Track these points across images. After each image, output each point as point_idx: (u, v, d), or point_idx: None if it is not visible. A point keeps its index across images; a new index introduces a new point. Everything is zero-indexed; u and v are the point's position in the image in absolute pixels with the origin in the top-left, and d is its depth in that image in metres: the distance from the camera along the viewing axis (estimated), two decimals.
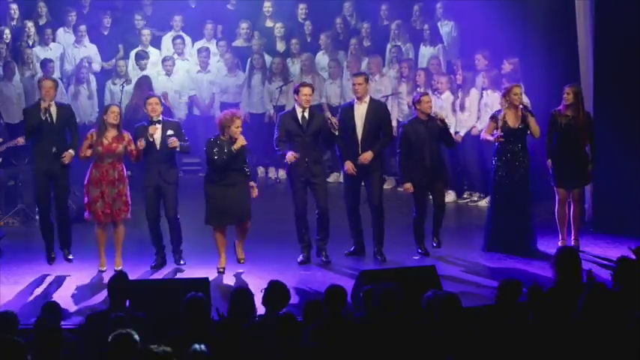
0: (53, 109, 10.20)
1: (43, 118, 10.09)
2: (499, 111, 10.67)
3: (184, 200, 10.57)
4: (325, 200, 10.35)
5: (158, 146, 10.09)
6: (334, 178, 13.58)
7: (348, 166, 10.35)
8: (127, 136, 10.10)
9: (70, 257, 10.31)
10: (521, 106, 10.52)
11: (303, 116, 10.31)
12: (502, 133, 10.44)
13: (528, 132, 10.55)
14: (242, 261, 10.23)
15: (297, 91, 10.47)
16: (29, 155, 11.28)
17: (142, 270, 10.08)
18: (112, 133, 10.04)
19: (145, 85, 13.43)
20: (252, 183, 10.15)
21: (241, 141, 9.92)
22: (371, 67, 13.81)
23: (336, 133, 10.24)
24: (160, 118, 10.17)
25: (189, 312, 6.80)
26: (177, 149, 10.10)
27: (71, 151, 10.21)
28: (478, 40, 13.31)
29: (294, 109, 10.43)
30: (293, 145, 10.28)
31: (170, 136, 10.10)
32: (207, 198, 10.09)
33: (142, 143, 9.94)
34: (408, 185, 10.52)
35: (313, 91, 10.57)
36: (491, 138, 10.54)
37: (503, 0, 13.07)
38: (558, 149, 10.66)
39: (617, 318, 6.42)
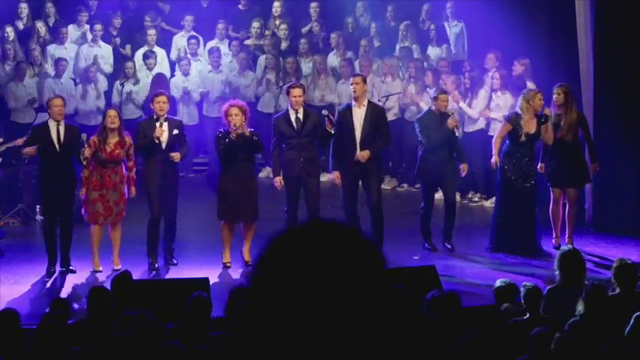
0: (62, 129, 10.04)
1: (56, 142, 9.97)
2: (514, 113, 10.60)
3: (184, 200, 10.55)
4: (316, 201, 10.33)
5: (164, 145, 10.08)
6: (327, 177, 13.54)
7: (336, 176, 10.33)
8: (129, 140, 10.07)
9: (72, 267, 10.17)
10: (540, 113, 10.47)
11: (297, 118, 10.26)
12: (499, 162, 10.47)
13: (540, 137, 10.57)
14: (250, 263, 10.20)
15: (288, 93, 10.47)
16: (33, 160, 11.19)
17: (140, 270, 10.07)
18: (113, 139, 9.99)
19: (158, 83, 13.37)
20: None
21: (233, 126, 9.88)
22: (384, 69, 13.79)
23: (332, 132, 10.16)
24: (166, 116, 10.18)
25: (193, 311, 6.80)
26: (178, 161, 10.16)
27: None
28: (485, 41, 13.30)
29: (287, 112, 10.38)
30: (288, 146, 10.25)
31: (176, 135, 10.12)
32: (219, 193, 10.12)
33: (89, 150, 9.89)
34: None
35: (304, 91, 10.53)
36: (495, 152, 10.51)
37: (504, 0, 13.07)
38: (552, 149, 10.65)
39: (616, 319, 6.43)
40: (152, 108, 10.24)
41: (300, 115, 10.28)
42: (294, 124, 10.24)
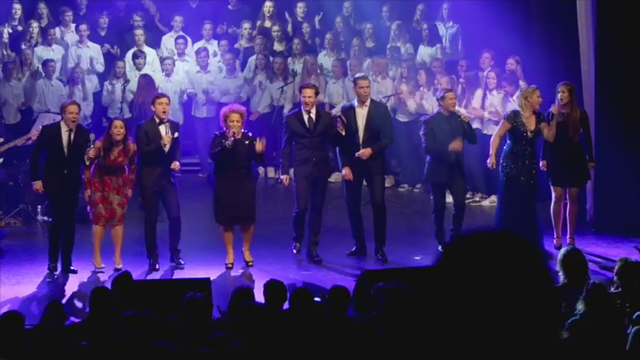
0: (73, 133, 9.96)
1: (65, 145, 9.93)
2: (513, 112, 10.57)
3: (184, 200, 10.54)
4: (321, 201, 10.34)
5: (167, 149, 10.02)
6: (335, 177, 13.56)
7: (347, 171, 10.31)
8: (133, 147, 10.04)
9: (73, 268, 10.15)
10: (547, 112, 10.45)
11: (309, 117, 10.24)
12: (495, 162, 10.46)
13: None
14: (250, 264, 10.18)
15: (300, 92, 10.46)
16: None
17: (141, 270, 10.06)
18: (118, 147, 9.98)
19: (145, 83, 13.35)
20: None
21: (232, 134, 9.85)
22: (374, 68, 13.77)
23: (343, 133, 10.15)
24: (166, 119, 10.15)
25: (188, 312, 6.81)
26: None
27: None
28: (481, 41, 13.30)
29: (299, 110, 10.35)
30: (300, 145, 10.24)
31: (176, 138, 10.10)
32: (215, 197, 10.09)
33: (93, 151, 9.85)
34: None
35: (317, 92, 10.52)
36: (492, 152, 10.50)
37: (505, 0, 13.07)
38: (555, 148, 10.63)
39: (617, 319, 6.42)
40: (152, 110, 10.19)
41: (313, 115, 10.25)
42: (307, 123, 10.22)
